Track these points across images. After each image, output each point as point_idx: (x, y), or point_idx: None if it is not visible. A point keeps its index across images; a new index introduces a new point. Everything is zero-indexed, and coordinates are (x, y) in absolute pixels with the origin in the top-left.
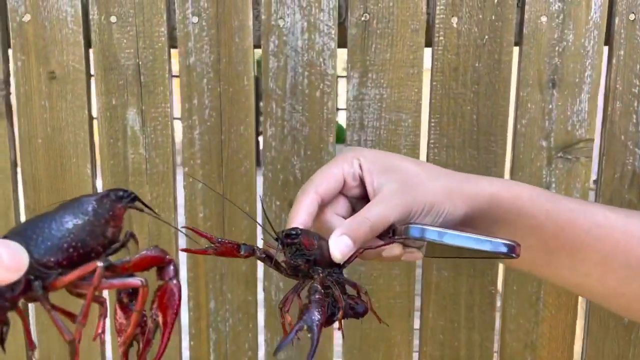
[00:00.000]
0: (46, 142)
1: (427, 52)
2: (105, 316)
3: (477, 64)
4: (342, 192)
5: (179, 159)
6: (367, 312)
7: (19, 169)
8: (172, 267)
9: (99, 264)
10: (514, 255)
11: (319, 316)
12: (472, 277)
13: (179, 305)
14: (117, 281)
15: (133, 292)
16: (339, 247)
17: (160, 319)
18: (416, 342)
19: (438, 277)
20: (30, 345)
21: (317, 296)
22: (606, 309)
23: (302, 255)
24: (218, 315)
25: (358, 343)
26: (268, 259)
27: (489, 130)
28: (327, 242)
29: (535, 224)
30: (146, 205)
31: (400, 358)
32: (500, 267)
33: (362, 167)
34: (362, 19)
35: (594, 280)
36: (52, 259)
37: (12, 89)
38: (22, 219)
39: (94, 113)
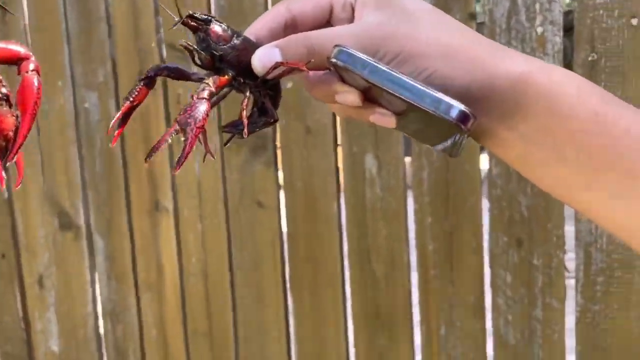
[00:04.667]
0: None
1: None
2: None
3: None
4: (329, 22)
5: None
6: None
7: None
8: (31, 61)
9: None
10: (462, 126)
11: (199, 117)
12: None
13: (38, 96)
14: None
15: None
16: (261, 56)
17: (19, 112)
18: None
19: None
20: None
21: (204, 94)
22: None
23: (207, 48)
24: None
25: None
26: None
27: None
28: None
29: (578, 128)
30: None
31: None
32: None
33: None
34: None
35: None
36: None
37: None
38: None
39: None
